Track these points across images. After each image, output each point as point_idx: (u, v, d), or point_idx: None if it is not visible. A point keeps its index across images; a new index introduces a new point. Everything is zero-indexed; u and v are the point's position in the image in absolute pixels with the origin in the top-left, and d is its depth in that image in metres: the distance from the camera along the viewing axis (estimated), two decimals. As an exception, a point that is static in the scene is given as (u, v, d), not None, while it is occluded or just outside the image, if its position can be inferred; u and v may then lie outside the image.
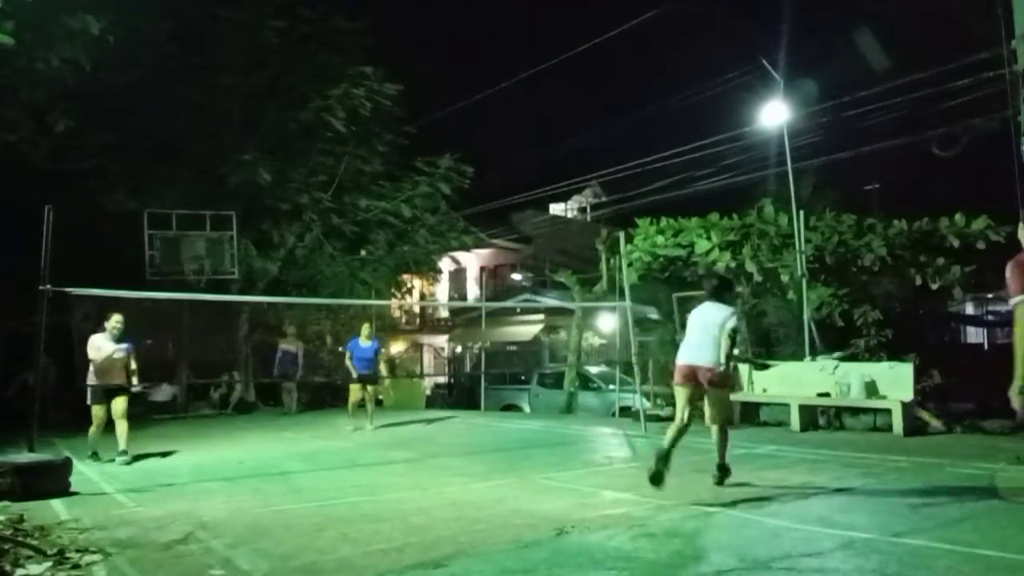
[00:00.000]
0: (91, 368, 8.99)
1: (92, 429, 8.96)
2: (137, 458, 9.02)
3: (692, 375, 6.18)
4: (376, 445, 10.18)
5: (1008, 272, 4.16)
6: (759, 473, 7.06)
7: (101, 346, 8.92)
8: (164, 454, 9.64)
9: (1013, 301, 4.10)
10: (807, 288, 11.47)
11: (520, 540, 4.70)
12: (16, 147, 13.49)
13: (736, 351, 6.26)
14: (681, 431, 6.14)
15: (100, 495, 6.82)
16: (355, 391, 12.22)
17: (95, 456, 8.90)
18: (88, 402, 8.97)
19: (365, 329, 12.34)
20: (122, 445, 8.90)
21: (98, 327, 9.30)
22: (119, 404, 8.97)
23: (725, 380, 6.24)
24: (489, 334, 24.41)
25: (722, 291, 6.53)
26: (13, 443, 8.60)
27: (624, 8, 32.07)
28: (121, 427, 8.93)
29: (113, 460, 8.81)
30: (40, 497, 6.37)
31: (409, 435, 11.36)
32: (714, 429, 6.32)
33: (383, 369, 11.80)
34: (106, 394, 8.95)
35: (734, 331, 6.11)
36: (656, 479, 5.79)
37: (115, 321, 9.04)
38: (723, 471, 6.35)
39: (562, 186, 24.28)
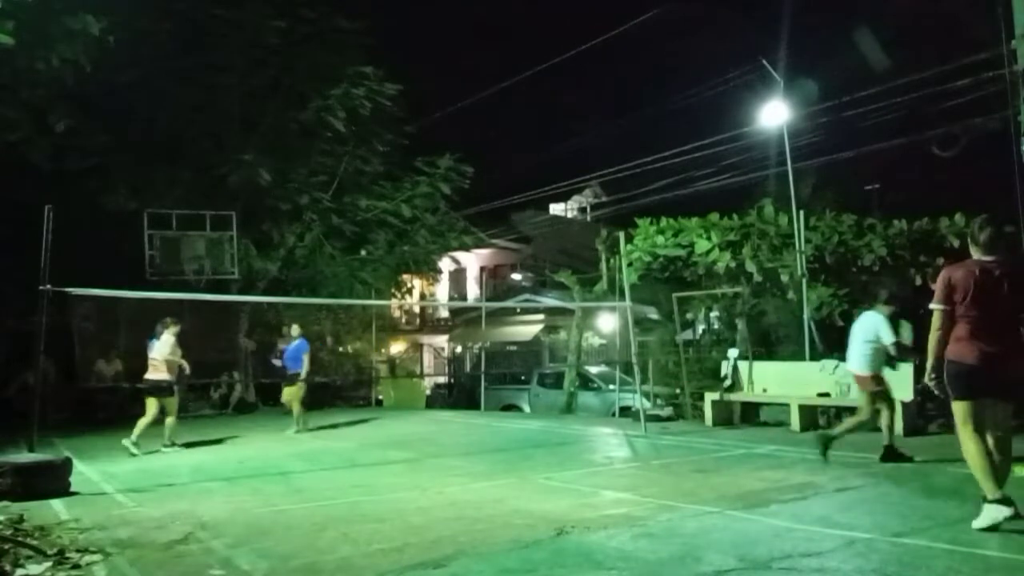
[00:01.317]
0: (165, 365, 9.97)
1: (172, 420, 10.01)
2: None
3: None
4: (376, 445, 10.18)
5: (938, 281, 4.94)
6: (759, 473, 7.07)
7: (174, 347, 10.07)
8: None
9: (932, 306, 4.88)
10: (807, 288, 11.47)
11: (520, 540, 4.70)
12: (16, 147, 13.49)
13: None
14: (860, 424, 7.68)
15: (100, 495, 6.82)
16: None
17: (174, 445, 9.96)
18: (170, 395, 10.02)
19: (295, 329, 12.40)
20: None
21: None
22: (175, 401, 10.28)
23: (867, 383, 7.60)
24: (489, 334, 24.40)
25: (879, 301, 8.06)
26: (13, 443, 8.62)
27: (624, 8, 32.10)
28: (157, 419, 9.98)
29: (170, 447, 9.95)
30: (40, 497, 6.37)
31: (409, 435, 11.36)
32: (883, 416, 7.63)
33: (304, 367, 11.95)
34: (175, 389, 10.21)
35: (894, 344, 7.48)
36: (823, 452, 7.44)
37: (176, 324, 10.30)
38: (889, 452, 7.45)
39: (562, 186, 24.27)
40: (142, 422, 9.71)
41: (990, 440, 4.70)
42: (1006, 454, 4.74)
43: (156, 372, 9.94)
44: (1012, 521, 4.44)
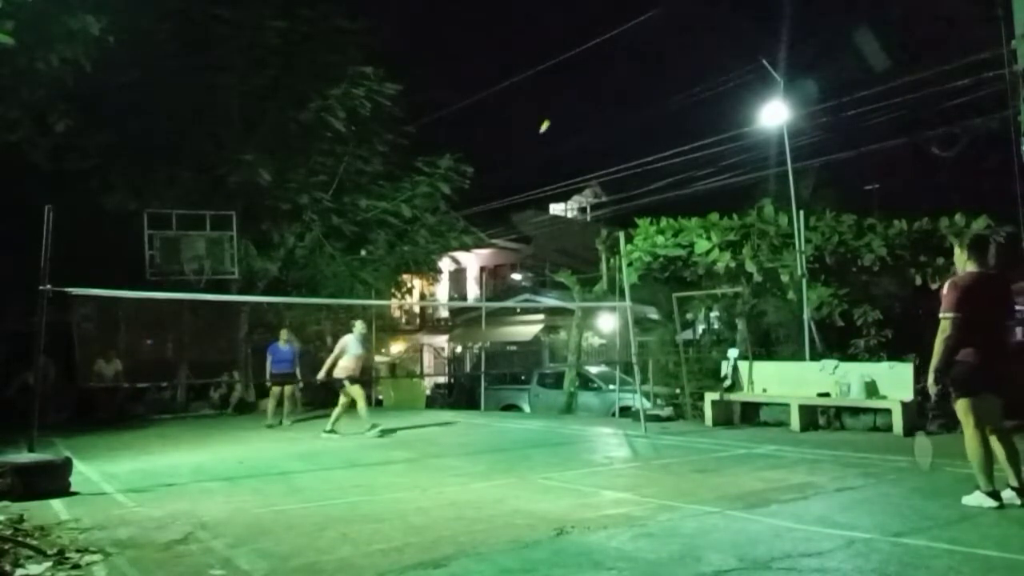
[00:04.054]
0: (345, 361, 11.07)
1: (363, 405, 11.06)
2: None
3: None
4: (376, 445, 10.18)
5: (945, 290, 5.24)
6: (759, 473, 7.06)
7: (357, 347, 11.21)
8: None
9: (943, 315, 5.16)
10: (807, 288, 11.46)
11: (520, 540, 4.70)
12: (16, 147, 13.49)
13: None
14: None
15: (100, 495, 6.82)
16: (274, 391, 13.31)
17: (375, 428, 10.85)
18: (348, 385, 11.06)
19: (284, 334, 13.46)
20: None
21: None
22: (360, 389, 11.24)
23: None
24: (489, 334, 24.41)
25: None
26: (13, 443, 8.62)
27: (624, 8, 32.11)
28: (362, 406, 11.16)
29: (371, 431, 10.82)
30: (40, 497, 6.36)
31: (409, 435, 11.36)
32: None
33: (297, 370, 13.40)
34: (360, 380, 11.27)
35: None
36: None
37: (361, 326, 11.46)
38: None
39: (562, 186, 24.29)
40: (359, 409, 11.07)
41: (991, 436, 5.17)
42: (1012, 444, 5.20)
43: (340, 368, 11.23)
44: (999, 510, 5.06)
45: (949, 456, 6.47)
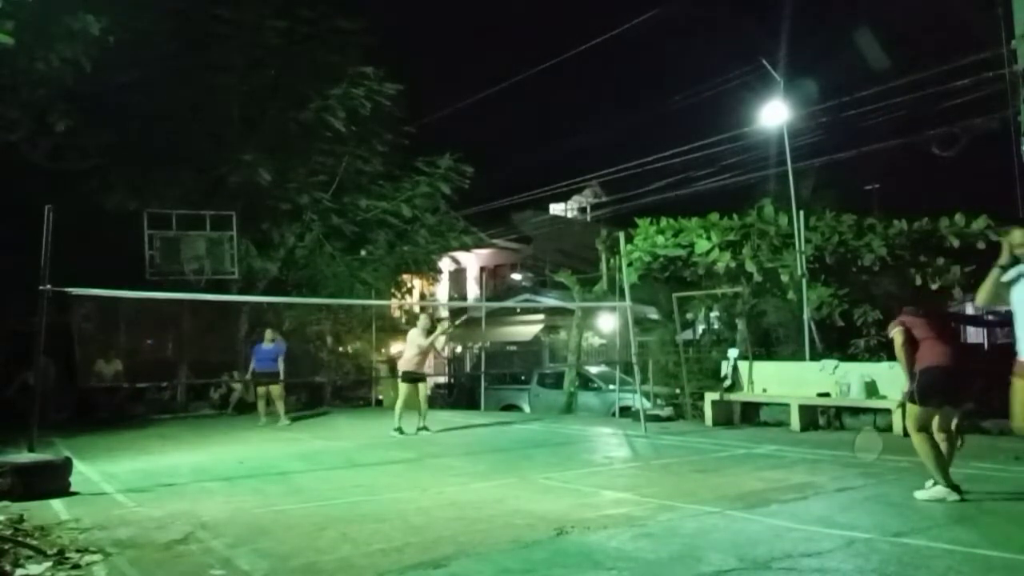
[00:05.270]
0: (408, 354, 11.22)
1: (399, 404, 11.12)
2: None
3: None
4: (376, 445, 10.17)
5: (893, 323, 6.02)
6: (759, 473, 7.07)
7: (418, 341, 11.16)
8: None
9: (890, 329, 6.00)
10: (807, 288, 11.46)
11: (520, 540, 4.70)
12: (16, 147, 13.48)
13: None
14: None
15: (100, 495, 6.81)
16: (260, 392, 13.48)
17: (398, 431, 10.84)
18: (400, 382, 11.30)
19: (269, 333, 13.54)
20: (424, 421, 11.25)
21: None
22: (423, 388, 11.38)
23: None
24: (489, 334, 24.39)
25: None
26: (13, 443, 8.61)
27: (625, 8, 32.11)
28: (424, 406, 11.33)
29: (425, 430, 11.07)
30: (40, 497, 6.36)
31: (409, 435, 11.35)
32: None
33: (281, 369, 13.22)
34: (414, 378, 11.23)
35: None
36: None
37: (424, 319, 11.57)
38: None
39: (562, 186, 24.30)
40: (423, 408, 11.28)
41: (939, 438, 5.63)
42: (952, 450, 5.74)
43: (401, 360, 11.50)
44: (956, 503, 5.42)
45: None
